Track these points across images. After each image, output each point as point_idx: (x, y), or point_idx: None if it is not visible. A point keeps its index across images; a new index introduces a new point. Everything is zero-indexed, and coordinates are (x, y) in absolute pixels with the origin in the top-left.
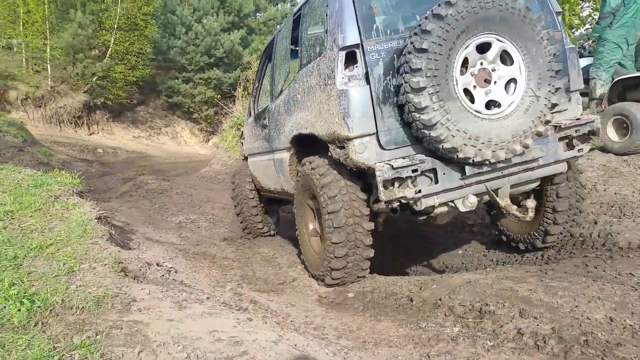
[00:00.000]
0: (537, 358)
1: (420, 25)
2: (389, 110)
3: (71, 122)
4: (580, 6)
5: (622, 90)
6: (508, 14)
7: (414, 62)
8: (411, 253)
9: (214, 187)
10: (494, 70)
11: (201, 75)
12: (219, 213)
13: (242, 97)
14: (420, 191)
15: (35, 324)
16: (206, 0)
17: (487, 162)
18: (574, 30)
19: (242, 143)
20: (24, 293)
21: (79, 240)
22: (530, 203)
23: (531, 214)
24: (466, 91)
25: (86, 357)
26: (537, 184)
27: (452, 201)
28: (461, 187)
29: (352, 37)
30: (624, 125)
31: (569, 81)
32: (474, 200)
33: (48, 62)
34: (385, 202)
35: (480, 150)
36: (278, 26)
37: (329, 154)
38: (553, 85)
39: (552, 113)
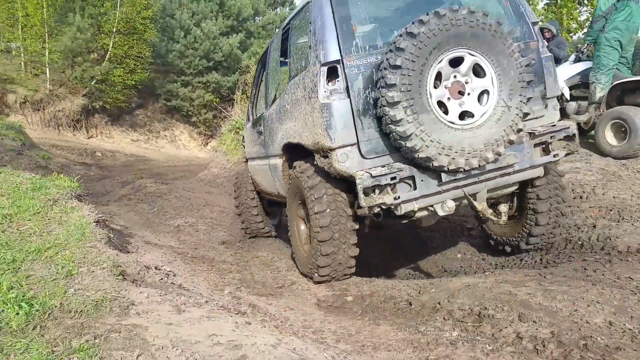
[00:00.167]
0: None
1: (394, 43)
2: (368, 122)
3: (70, 125)
4: (578, 10)
5: (621, 94)
6: (479, 30)
7: (389, 77)
8: (410, 257)
9: (212, 190)
10: (467, 82)
11: (200, 78)
12: (217, 216)
13: (240, 100)
14: (399, 197)
15: (33, 328)
16: (205, 4)
17: (461, 170)
18: (572, 34)
19: (244, 146)
20: (23, 296)
21: (77, 243)
22: (503, 207)
23: (504, 217)
24: (440, 103)
25: None
26: (515, 187)
27: (431, 206)
28: (439, 192)
29: (333, 53)
30: (623, 129)
31: (545, 88)
32: (451, 204)
33: (47, 65)
34: (366, 208)
35: (453, 159)
36: (276, 30)
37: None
38: (524, 96)
39: (527, 120)
